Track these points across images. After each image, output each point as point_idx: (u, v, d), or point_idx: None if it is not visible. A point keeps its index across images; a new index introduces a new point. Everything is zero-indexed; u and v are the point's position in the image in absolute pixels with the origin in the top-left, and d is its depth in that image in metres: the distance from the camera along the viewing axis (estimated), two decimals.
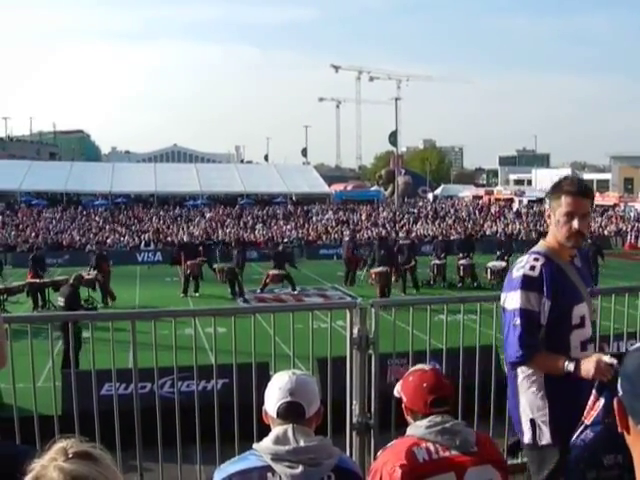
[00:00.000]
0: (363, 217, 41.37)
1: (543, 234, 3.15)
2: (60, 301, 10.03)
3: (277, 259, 18.54)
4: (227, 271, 18.08)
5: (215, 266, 18.46)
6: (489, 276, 19.04)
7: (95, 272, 16.66)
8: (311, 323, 3.99)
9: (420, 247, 29.42)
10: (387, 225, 36.99)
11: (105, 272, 16.89)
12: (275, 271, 18.36)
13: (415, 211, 44.94)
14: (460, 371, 4.25)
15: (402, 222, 38.86)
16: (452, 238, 30.77)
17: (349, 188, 66.89)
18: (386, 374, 5.93)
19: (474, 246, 20.45)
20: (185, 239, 24.84)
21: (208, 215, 41.65)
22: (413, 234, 32.26)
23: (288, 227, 35.70)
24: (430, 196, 64.82)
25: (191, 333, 3.98)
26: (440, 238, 21.29)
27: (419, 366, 2.67)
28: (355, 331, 3.96)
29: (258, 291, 18.56)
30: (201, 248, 20.77)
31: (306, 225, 37.20)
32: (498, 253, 20.16)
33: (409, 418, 2.54)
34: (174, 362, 4.00)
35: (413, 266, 18.12)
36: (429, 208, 47.73)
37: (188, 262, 18.28)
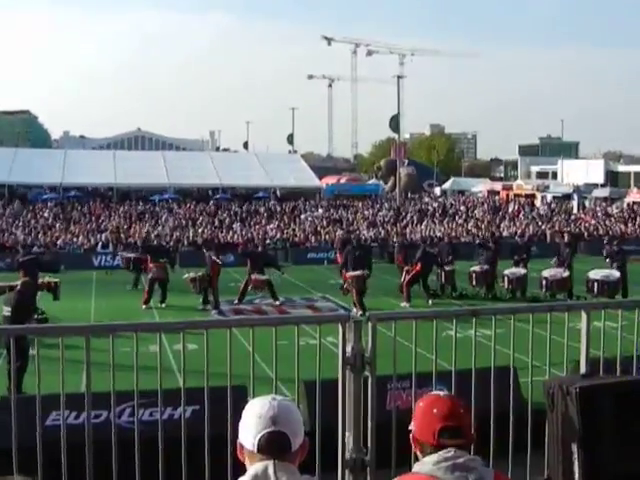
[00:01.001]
0: (359, 215, 41.45)
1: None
2: (6, 311, 9.95)
3: (256, 261, 18.57)
4: (200, 279, 18.13)
5: (186, 276, 18.43)
6: (506, 285, 19.14)
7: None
8: (297, 339, 3.97)
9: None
10: (387, 225, 37.05)
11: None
12: (258, 276, 18.40)
13: (420, 208, 45.08)
14: (472, 397, 4.23)
15: (404, 221, 38.95)
16: (463, 240, 30.98)
17: (343, 181, 67.10)
18: (385, 400, 5.90)
19: (499, 251, 20.54)
20: (150, 240, 24.79)
21: (177, 211, 41.55)
22: (417, 235, 32.32)
23: (271, 226, 35.71)
24: (437, 191, 65.15)
25: (156, 351, 3.96)
26: (447, 240, 21.33)
27: (435, 392, 2.65)
28: (348, 349, 3.94)
29: (235, 301, 18.57)
30: (169, 250, 20.80)
31: (292, 224, 37.23)
32: (515, 258, 20.25)
33: (418, 453, 2.50)
34: (135, 385, 3.96)
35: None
36: (436, 205, 47.90)
37: (152, 265, 18.37)
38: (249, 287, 18.47)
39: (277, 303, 18.50)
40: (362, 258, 17.22)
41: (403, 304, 17.92)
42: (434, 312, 4.60)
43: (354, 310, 16.46)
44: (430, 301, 18.29)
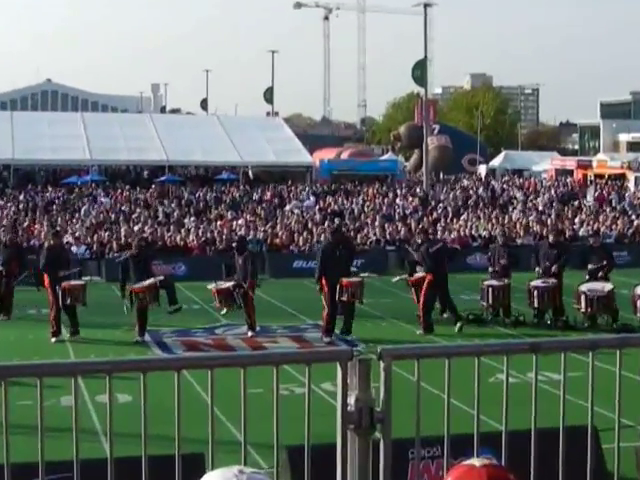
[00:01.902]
0: (368, 206, 41.50)
1: None
2: None
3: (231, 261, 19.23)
4: (159, 286, 18.42)
5: (129, 286, 18.56)
6: (583, 306, 19.24)
7: None
8: (276, 386, 3.98)
9: (465, 256, 29.68)
10: (410, 219, 37.14)
11: None
12: (226, 283, 18.74)
13: (457, 195, 45.20)
14: (531, 469, 4.26)
15: (435, 214, 39.02)
16: (520, 242, 31.06)
17: (345, 156, 66.96)
18: (406, 474, 5.89)
19: (567, 252, 20.61)
20: (65, 241, 24.73)
21: (104, 201, 41.54)
22: (452, 234, 32.41)
23: (240, 222, 35.72)
24: (483, 170, 65.26)
25: (70, 404, 3.96)
26: (501, 242, 21.39)
27: (467, 461, 2.69)
28: (352, 400, 3.95)
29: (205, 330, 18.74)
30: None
31: (271, 219, 37.26)
32: (591, 267, 20.22)
33: None
34: (39, 455, 3.97)
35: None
36: (481, 190, 48.00)
37: (66, 284, 18.46)
38: (215, 302, 19.03)
39: (250, 334, 18.59)
40: (345, 260, 18.61)
41: (419, 332, 18.68)
42: (476, 347, 4.61)
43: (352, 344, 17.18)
44: (458, 324, 19.11)
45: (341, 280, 18.31)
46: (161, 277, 19.30)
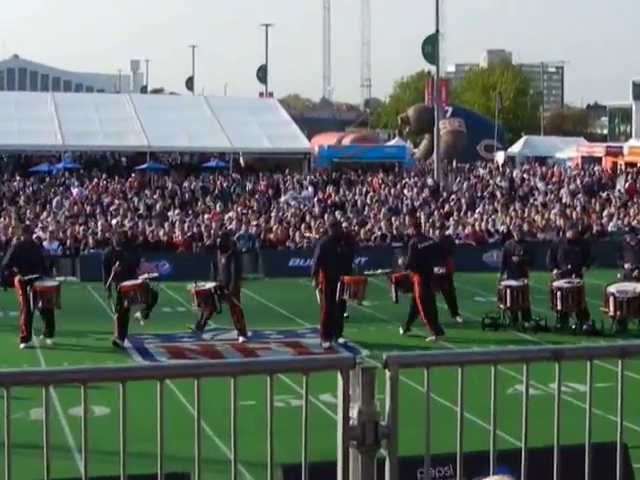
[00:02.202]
0: (373, 197, 41.48)
1: None
2: None
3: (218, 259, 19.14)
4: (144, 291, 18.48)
5: (114, 283, 18.62)
6: (611, 310, 19.25)
7: None
8: (270, 397, 3.98)
9: (481, 253, 29.68)
10: (419, 213, 37.14)
11: None
12: (207, 284, 18.67)
13: (472, 186, 45.16)
14: None
15: (447, 207, 39.04)
16: (541, 237, 31.05)
17: (347, 142, 66.93)
18: None
19: (590, 250, 20.60)
20: (35, 237, 24.68)
21: (76, 192, 41.51)
22: (466, 229, 32.40)
23: (230, 215, 35.73)
24: (501, 157, 65.18)
25: (41, 417, 3.97)
26: (517, 237, 21.39)
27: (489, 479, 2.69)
28: (354, 413, 3.96)
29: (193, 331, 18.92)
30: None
31: (265, 212, 37.26)
32: (627, 267, 20.27)
33: None
34: (6, 476, 3.98)
35: None
36: (499, 180, 47.96)
37: (38, 285, 18.41)
38: (195, 304, 19.03)
39: (241, 340, 18.63)
40: (346, 256, 18.83)
41: (429, 338, 18.88)
42: (492, 354, 4.60)
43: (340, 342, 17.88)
44: (458, 318, 20.31)
45: (342, 277, 18.41)
46: (155, 274, 19.37)
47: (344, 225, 27.61)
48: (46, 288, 18.65)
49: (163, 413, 3.98)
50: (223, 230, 27.51)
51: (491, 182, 47.44)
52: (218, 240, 20.19)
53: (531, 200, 41.32)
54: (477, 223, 33.73)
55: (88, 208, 37.44)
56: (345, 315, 20.05)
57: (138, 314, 19.03)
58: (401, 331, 19.42)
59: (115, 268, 18.39)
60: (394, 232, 32.20)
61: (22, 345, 18.13)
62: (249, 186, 43.95)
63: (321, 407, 11.04)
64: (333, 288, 18.32)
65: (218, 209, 36.98)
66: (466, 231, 32.02)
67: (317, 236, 28.87)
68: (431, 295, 19.29)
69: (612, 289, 19.26)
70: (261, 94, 72.93)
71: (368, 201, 40.58)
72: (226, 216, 34.99)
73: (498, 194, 42.87)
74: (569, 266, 19.80)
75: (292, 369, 4.74)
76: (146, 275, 19.04)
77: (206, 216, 35.22)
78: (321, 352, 17.55)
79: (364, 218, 35.58)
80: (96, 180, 44.64)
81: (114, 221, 33.06)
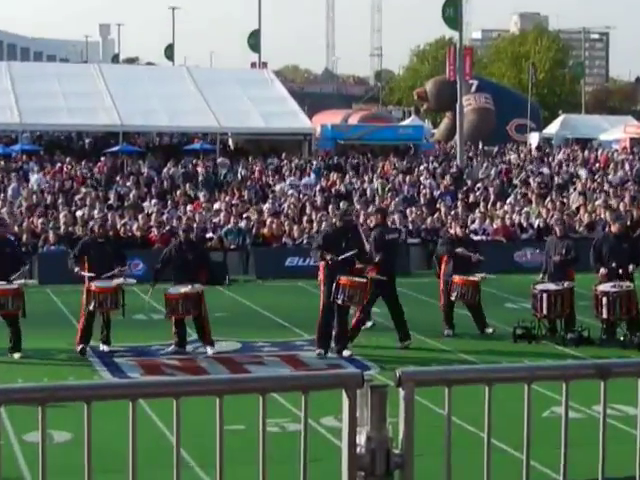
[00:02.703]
0: (384, 184, 41.44)
1: None
2: None
3: (183, 261, 19.17)
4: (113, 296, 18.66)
5: (87, 283, 18.65)
6: None
7: None
8: (262, 420, 3.97)
9: (512, 251, 29.66)
10: (440, 204, 37.11)
11: None
12: (182, 288, 18.79)
13: (502, 172, 45.11)
14: None
15: (471, 197, 39.00)
16: (581, 233, 31.01)
17: (354, 121, 67.03)
18: None
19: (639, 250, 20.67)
20: None
21: (35, 178, 41.49)
22: (494, 223, 32.36)
23: (217, 206, 35.74)
24: (534, 139, 65.04)
25: None
26: (559, 233, 21.38)
27: None
28: (361, 440, 3.95)
29: (171, 347, 18.83)
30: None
31: (258, 203, 37.24)
32: None
33: None
34: None
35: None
36: (533, 166, 47.88)
37: None
38: (168, 312, 19.06)
39: (210, 352, 18.65)
40: (350, 245, 18.85)
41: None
42: (526, 370, 4.57)
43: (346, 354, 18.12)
44: (489, 330, 20.63)
45: (339, 277, 18.54)
46: (132, 280, 19.48)
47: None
48: (3, 292, 18.52)
49: (136, 439, 3.97)
50: (186, 222, 27.47)
51: (523, 168, 47.40)
52: (182, 233, 20.10)
53: (571, 189, 41.28)
54: (507, 216, 33.68)
55: (49, 198, 37.37)
56: (370, 324, 20.42)
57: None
58: (398, 343, 19.55)
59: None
60: (409, 226, 32.22)
61: None
62: (239, 172, 43.93)
63: (323, 432, 10.92)
64: (331, 285, 18.49)
65: (202, 199, 37.01)
66: (494, 225, 31.97)
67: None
68: (377, 295, 19.70)
69: None
70: (253, 65, 72.91)
71: (379, 190, 40.58)
72: (212, 206, 34.99)
73: (532, 182, 42.85)
74: (614, 264, 19.73)
75: (288, 387, 4.72)
76: (122, 280, 19.02)
77: (188, 207, 35.22)
78: (323, 367, 17.50)
79: (372, 211, 35.50)
80: (59, 165, 44.64)
81: (79, 213, 33.00)
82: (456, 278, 20.37)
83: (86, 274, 18.64)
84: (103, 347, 18.65)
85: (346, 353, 18.49)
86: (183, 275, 18.95)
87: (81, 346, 18.37)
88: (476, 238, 26.06)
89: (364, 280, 18.96)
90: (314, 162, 47.12)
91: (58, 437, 12.02)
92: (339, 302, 18.56)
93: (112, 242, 20.38)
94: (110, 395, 4.42)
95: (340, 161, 47.75)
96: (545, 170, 46.90)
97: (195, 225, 29.79)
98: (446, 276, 20.60)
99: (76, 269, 19.00)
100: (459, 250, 20.42)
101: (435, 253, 22.17)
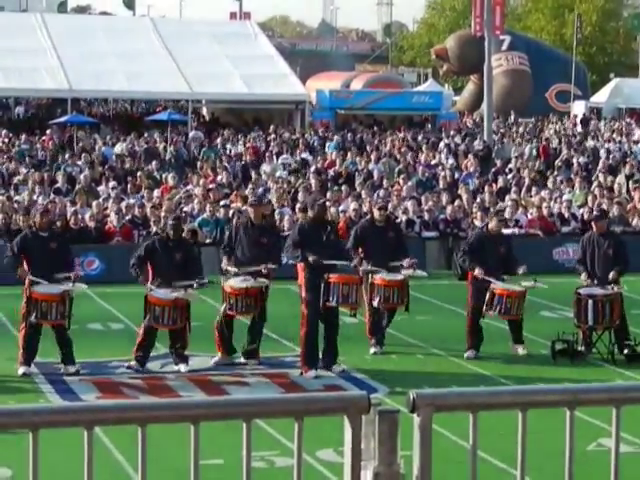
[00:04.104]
0: (394, 165, 41.47)
1: None
2: None
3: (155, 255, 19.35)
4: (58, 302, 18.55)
5: (28, 289, 18.68)
6: None
7: None
8: (246, 453, 4.01)
9: (551, 247, 29.72)
10: (462, 186, 37.16)
11: None
12: (162, 291, 18.88)
13: (541, 149, 45.18)
14: None
15: (501, 180, 39.03)
16: (637, 224, 31.11)
17: (358, 86, 66.95)
18: None
19: None
20: None
21: None
22: (529, 213, 32.44)
23: (188, 188, 35.77)
24: (580, 109, 64.98)
25: None
26: (610, 226, 21.43)
27: None
28: (368, 476, 4.00)
29: (130, 362, 18.91)
30: None
31: (240, 187, 37.27)
32: None
33: None
34: None
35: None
36: (575, 142, 47.91)
37: None
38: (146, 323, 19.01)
39: (183, 369, 18.76)
40: (335, 246, 19.25)
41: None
42: (567, 393, 4.64)
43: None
44: (521, 350, 20.32)
45: (328, 276, 18.68)
46: (83, 285, 19.37)
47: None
48: None
49: (92, 474, 4.01)
50: (175, 212, 27.53)
51: (566, 145, 47.45)
52: (170, 227, 20.08)
53: (624, 172, 41.29)
54: (545, 205, 33.68)
55: None
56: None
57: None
58: (372, 350, 20.01)
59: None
60: (425, 216, 32.15)
61: None
62: (217, 149, 43.96)
63: (319, 468, 10.97)
64: (316, 291, 18.57)
65: (171, 182, 36.98)
66: (529, 216, 31.97)
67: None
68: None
69: None
70: (233, 16, 73.01)
71: (387, 171, 40.61)
72: (182, 191, 35.00)
73: (576, 163, 42.89)
74: None
75: (278, 412, 4.76)
76: (70, 286, 18.87)
77: (155, 192, 35.19)
78: (319, 389, 17.52)
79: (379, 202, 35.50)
80: None
81: (18, 197, 33.00)
82: (498, 289, 19.76)
83: (31, 277, 18.53)
84: (68, 368, 18.48)
85: (337, 368, 18.56)
86: (169, 277, 19.03)
87: (23, 369, 18.35)
88: (506, 232, 25.45)
89: (357, 276, 19.32)
90: (308, 136, 47.11)
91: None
92: (333, 304, 18.73)
93: (58, 236, 20.27)
94: (59, 422, 4.46)
95: (341, 135, 47.76)
96: (593, 147, 46.94)
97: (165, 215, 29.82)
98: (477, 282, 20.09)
99: (19, 270, 18.89)
100: (477, 272, 19.79)
101: (457, 250, 22.14)
